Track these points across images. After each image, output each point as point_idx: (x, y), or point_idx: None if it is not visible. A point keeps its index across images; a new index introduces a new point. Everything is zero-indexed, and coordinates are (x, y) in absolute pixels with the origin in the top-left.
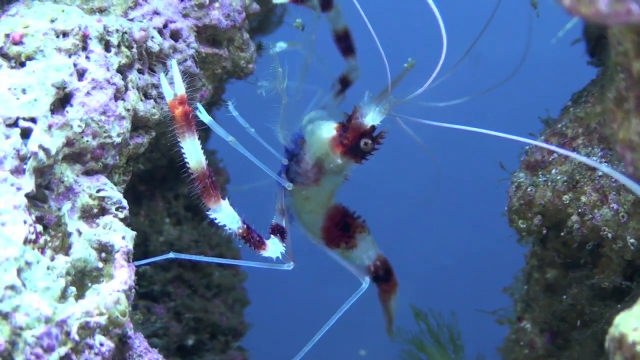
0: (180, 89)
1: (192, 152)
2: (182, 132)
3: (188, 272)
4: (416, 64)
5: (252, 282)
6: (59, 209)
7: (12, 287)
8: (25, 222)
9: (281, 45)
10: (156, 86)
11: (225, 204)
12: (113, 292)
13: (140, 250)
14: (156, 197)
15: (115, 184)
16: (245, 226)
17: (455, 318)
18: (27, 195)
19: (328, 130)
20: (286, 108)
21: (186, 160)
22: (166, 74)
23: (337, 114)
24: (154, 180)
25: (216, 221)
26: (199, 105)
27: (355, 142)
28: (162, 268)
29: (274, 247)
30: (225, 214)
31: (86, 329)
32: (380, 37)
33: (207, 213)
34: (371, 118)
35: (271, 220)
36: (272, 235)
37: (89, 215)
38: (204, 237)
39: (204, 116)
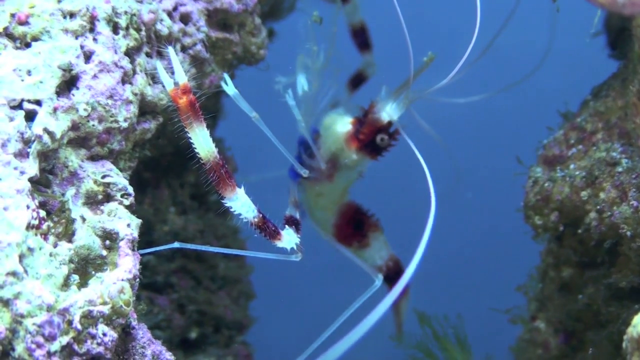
0: (182, 77)
1: (203, 142)
2: (189, 122)
3: (192, 263)
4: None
5: (258, 275)
6: (63, 195)
7: (13, 274)
8: (28, 207)
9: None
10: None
11: (241, 192)
12: (117, 281)
13: (144, 239)
14: (161, 185)
15: (121, 170)
16: (260, 215)
17: (461, 320)
18: (30, 180)
19: (343, 124)
20: (310, 97)
21: (196, 151)
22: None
23: (352, 108)
24: (159, 167)
25: (232, 210)
26: (226, 76)
27: (372, 137)
28: (166, 258)
29: (288, 238)
30: (241, 203)
31: (89, 318)
32: (393, 31)
33: (223, 201)
34: (388, 113)
35: (284, 212)
36: (286, 227)
37: (93, 201)
38: (209, 227)
39: (230, 88)
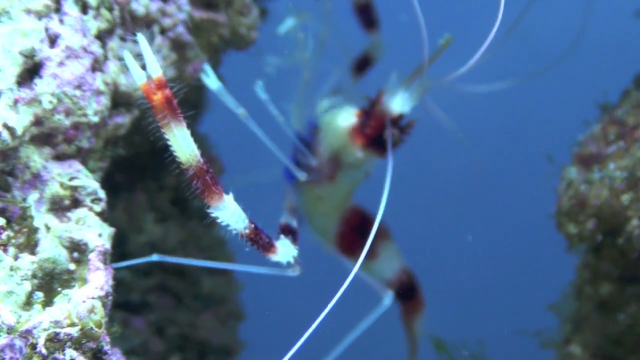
0: (155, 69)
1: (183, 145)
2: (166, 122)
3: (173, 279)
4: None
5: (248, 293)
6: (25, 200)
7: None
8: None
9: (288, 25)
10: (141, 56)
11: (229, 200)
12: (87, 299)
13: (118, 251)
14: (137, 189)
15: (91, 172)
16: (252, 226)
17: (483, 346)
18: None
19: (347, 117)
20: (304, 85)
21: (175, 154)
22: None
23: (357, 98)
24: (134, 168)
25: (218, 220)
26: (207, 67)
27: (379, 132)
28: (142, 273)
29: (285, 250)
30: (229, 212)
31: (55, 342)
32: (404, 8)
33: (208, 211)
34: (399, 104)
35: (278, 219)
36: (282, 236)
37: (59, 207)
38: (192, 237)
39: (212, 81)
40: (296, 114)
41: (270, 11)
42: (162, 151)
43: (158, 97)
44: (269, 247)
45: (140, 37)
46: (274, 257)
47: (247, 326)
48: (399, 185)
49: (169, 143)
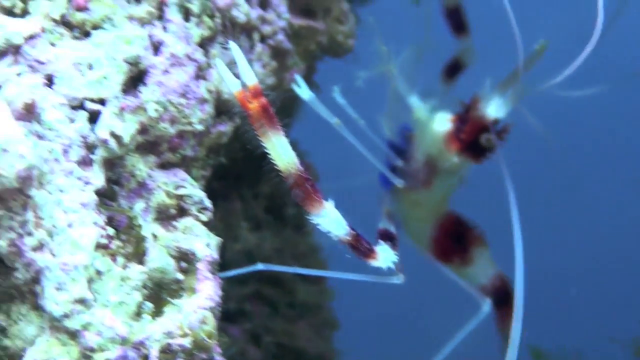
0: (250, 77)
1: (281, 153)
2: (264, 130)
3: (268, 288)
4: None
5: (341, 301)
6: (131, 209)
7: (81, 301)
8: (95, 223)
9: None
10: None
11: (330, 207)
12: (198, 309)
13: None
14: (232, 197)
15: (194, 180)
16: (353, 232)
17: (580, 357)
18: (96, 192)
19: (442, 122)
20: (393, 95)
21: (274, 162)
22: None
23: (451, 103)
24: (229, 175)
25: (319, 227)
26: (298, 78)
27: (475, 137)
28: (238, 282)
29: (385, 255)
30: (330, 219)
31: (168, 353)
32: (495, 12)
33: (309, 218)
34: (495, 109)
35: (373, 224)
36: (381, 242)
37: (165, 216)
38: (287, 245)
39: (304, 91)
40: (389, 120)
41: (362, 18)
42: (257, 158)
43: (254, 105)
44: (369, 252)
45: (233, 46)
46: (374, 263)
47: (340, 335)
48: (492, 189)
49: (267, 151)
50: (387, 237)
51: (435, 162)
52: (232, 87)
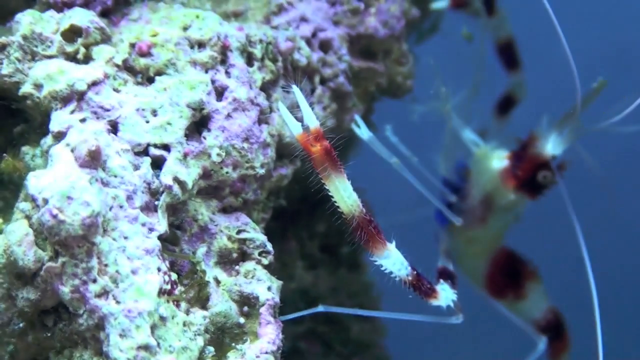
0: (312, 120)
1: (344, 195)
2: (327, 174)
3: (322, 326)
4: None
5: (393, 339)
6: (194, 253)
7: (145, 347)
8: (159, 269)
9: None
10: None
11: (392, 248)
12: (261, 353)
13: None
14: (288, 236)
15: (255, 223)
16: (414, 272)
17: None
18: (159, 237)
19: (498, 159)
20: (449, 132)
21: (337, 204)
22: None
23: (504, 139)
24: (285, 215)
25: (382, 268)
26: (358, 118)
27: (532, 174)
28: (292, 321)
29: (445, 294)
30: (393, 260)
31: None
32: (548, 48)
33: (372, 259)
34: (552, 146)
35: (427, 261)
36: (441, 281)
37: (227, 260)
38: (342, 283)
39: (364, 131)
40: (444, 159)
41: (417, 56)
42: (313, 198)
43: (317, 149)
44: (430, 292)
45: (296, 90)
46: (436, 302)
47: None
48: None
49: (330, 194)
50: (447, 275)
51: (491, 199)
52: (294, 130)
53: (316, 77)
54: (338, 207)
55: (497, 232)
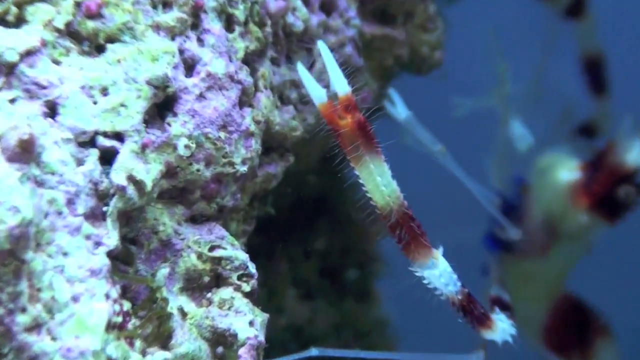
0: (342, 86)
1: (380, 183)
2: (359, 154)
3: None
4: None
5: None
6: (153, 276)
7: None
8: (107, 296)
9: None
10: (298, 85)
11: (440, 256)
12: None
13: None
14: (276, 255)
15: (234, 237)
16: (465, 291)
17: None
18: (109, 254)
19: (567, 171)
20: (505, 135)
21: (370, 196)
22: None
23: (577, 147)
24: (273, 227)
25: (425, 281)
26: (394, 93)
27: (611, 189)
28: None
29: (502, 326)
30: (440, 272)
31: None
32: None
33: (413, 269)
34: (637, 156)
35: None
36: (497, 310)
37: (197, 286)
38: (347, 319)
39: (400, 110)
40: (497, 168)
41: (450, 21)
42: (310, 204)
43: (347, 122)
44: (484, 319)
45: (322, 46)
46: (489, 334)
47: None
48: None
49: (362, 182)
50: (502, 305)
51: (556, 222)
52: (317, 98)
53: (314, 46)
54: (372, 199)
55: (562, 267)
